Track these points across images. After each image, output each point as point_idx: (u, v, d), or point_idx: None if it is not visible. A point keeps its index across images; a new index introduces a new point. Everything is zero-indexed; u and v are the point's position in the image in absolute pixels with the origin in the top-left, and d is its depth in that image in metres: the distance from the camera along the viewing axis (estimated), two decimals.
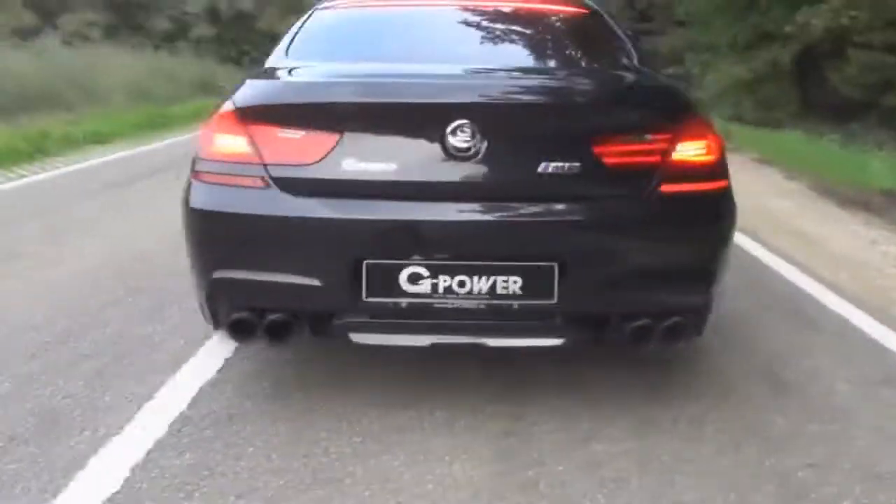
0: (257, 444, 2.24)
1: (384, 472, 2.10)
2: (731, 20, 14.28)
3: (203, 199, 2.23)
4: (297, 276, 2.16)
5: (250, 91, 2.28)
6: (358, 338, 2.24)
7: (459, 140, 2.10)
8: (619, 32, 2.92)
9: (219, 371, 2.72)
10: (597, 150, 2.15)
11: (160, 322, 3.20)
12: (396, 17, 3.05)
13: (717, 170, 2.30)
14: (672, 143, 2.20)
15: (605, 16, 3.04)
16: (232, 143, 2.21)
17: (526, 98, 2.22)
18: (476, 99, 2.17)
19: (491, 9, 3.07)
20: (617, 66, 2.75)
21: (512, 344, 2.27)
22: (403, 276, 2.13)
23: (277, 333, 2.21)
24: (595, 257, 2.17)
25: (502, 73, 2.36)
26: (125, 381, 2.64)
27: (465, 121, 2.09)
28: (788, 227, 5.35)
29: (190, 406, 2.46)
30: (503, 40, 2.88)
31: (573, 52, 2.88)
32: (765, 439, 2.32)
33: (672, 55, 18.29)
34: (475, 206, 2.15)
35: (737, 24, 14.03)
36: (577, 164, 2.14)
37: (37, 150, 8.00)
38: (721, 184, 2.30)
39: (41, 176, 7.20)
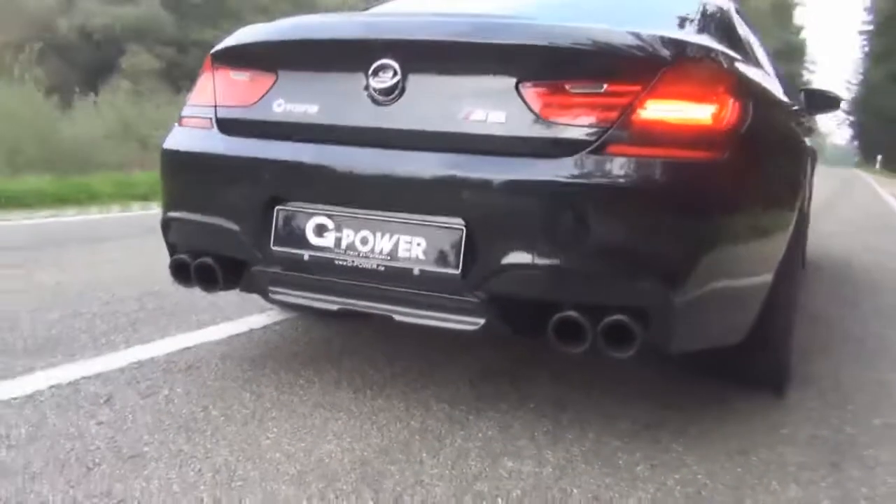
0: (177, 391, 2.17)
1: (251, 438, 1.90)
2: None
3: (170, 140, 2.27)
4: (219, 218, 2.09)
5: (228, 37, 2.28)
6: (273, 294, 2.08)
7: (380, 81, 1.89)
8: (704, 11, 2.40)
9: (236, 335, 2.73)
10: (529, 97, 1.79)
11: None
12: None
13: (707, 136, 1.77)
14: (639, 96, 1.75)
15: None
16: (202, 86, 2.24)
17: (457, 36, 1.91)
18: (400, 36, 1.93)
19: None
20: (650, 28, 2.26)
21: (421, 322, 1.93)
22: (310, 227, 1.95)
23: (205, 279, 2.14)
24: (507, 222, 1.78)
25: (469, 12, 2.07)
26: (149, 327, 2.76)
27: (387, 60, 1.88)
28: None
29: (169, 355, 2.48)
30: (553, 9, 2.54)
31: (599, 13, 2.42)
32: None
33: None
34: (392, 153, 1.89)
35: None
36: (503, 112, 1.80)
37: None
38: (707, 154, 1.76)
39: None
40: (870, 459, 1.95)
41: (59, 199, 6.33)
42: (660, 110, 1.75)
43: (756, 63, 2.65)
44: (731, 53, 2.11)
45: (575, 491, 1.69)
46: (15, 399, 2.05)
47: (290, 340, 2.72)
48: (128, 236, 4.93)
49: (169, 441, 1.85)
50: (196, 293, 3.12)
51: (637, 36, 1.85)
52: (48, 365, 2.32)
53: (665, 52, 1.81)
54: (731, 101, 1.82)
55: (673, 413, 2.18)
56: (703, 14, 2.38)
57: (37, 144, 10.66)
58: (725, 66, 1.94)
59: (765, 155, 2.01)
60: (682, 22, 2.30)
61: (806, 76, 58.51)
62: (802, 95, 3.92)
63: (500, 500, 1.63)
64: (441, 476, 1.73)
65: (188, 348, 2.56)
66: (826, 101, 3.94)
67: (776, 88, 2.66)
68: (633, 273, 1.74)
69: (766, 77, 2.53)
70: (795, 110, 2.85)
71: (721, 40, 2.23)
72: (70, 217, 5.84)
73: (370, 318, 2.07)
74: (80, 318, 2.85)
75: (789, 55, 48.14)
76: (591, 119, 1.75)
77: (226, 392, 2.18)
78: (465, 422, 2.05)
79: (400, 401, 2.17)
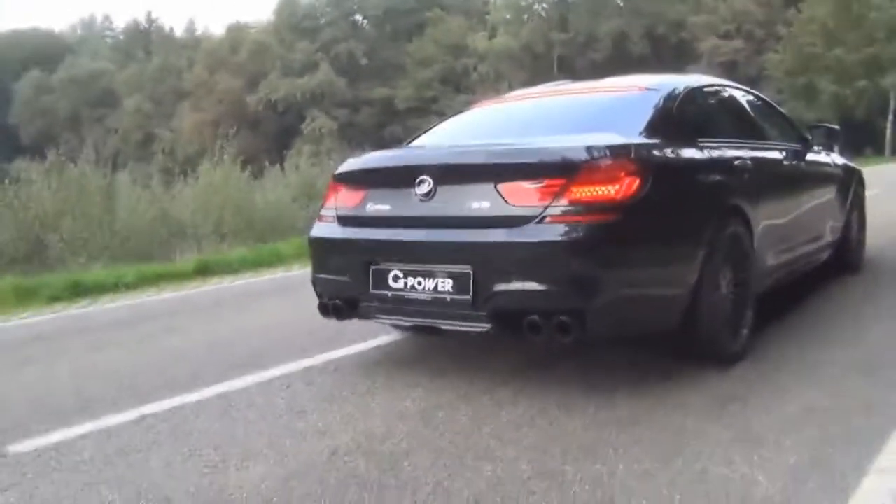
0: (297, 386, 3.56)
1: (361, 404, 3.27)
2: None
3: (313, 231, 3.76)
4: (340, 275, 3.53)
5: (342, 164, 3.75)
6: (377, 318, 3.49)
7: (421, 189, 3.25)
8: (654, 108, 3.56)
9: (366, 350, 4.14)
10: (502, 192, 3.08)
11: None
12: (505, 108, 4.23)
13: (609, 205, 2.97)
14: (564, 188, 2.99)
15: (659, 95, 3.70)
16: (329, 197, 3.72)
17: (461, 161, 3.28)
18: (430, 163, 3.32)
19: (568, 95, 4.06)
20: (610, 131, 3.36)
21: (454, 328, 3.25)
22: (390, 277, 3.33)
23: (337, 313, 3.57)
24: (494, 266, 3.06)
25: (470, 145, 3.45)
26: (318, 348, 4.22)
27: (424, 177, 3.24)
28: None
29: (326, 363, 3.92)
30: (547, 120, 3.84)
31: (582, 125, 3.63)
32: None
33: None
34: (431, 231, 3.26)
35: None
36: (488, 202, 3.10)
37: None
38: (608, 217, 2.96)
39: None
40: (750, 402, 3.02)
41: (257, 264, 8.22)
42: (578, 192, 2.98)
43: (708, 134, 3.75)
44: (646, 142, 3.27)
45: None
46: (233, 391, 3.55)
47: (396, 356, 4.09)
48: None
49: (322, 407, 3.25)
50: (348, 323, 4.57)
51: (565, 148, 3.11)
52: (262, 367, 3.82)
53: (579, 156, 3.04)
54: (627, 180, 3.01)
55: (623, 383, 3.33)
56: (656, 112, 3.55)
57: (236, 214, 12.95)
58: (630, 156, 3.11)
59: (659, 212, 3.14)
60: (631, 124, 3.46)
61: None
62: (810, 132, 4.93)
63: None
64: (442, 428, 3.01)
65: (337, 358, 3.97)
66: (827, 134, 4.96)
67: (715, 154, 3.71)
68: (567, 290, 2.97)
69: (701, 151, 3.60)
70: (731, 165, 3.82)
71: (663, 129, 3.41)
72: (265, 277, 7.69)
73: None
74: (276, 342, 4.37)
75: None
76: (536, 202, 3.01)
77: (347, 380, 3.57)
78: (471, 400, 3.29)
79: (428, 390, 3.45)
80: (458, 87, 55.37)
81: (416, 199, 3.28)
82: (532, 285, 3.01)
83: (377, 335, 4.34)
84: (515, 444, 2.71)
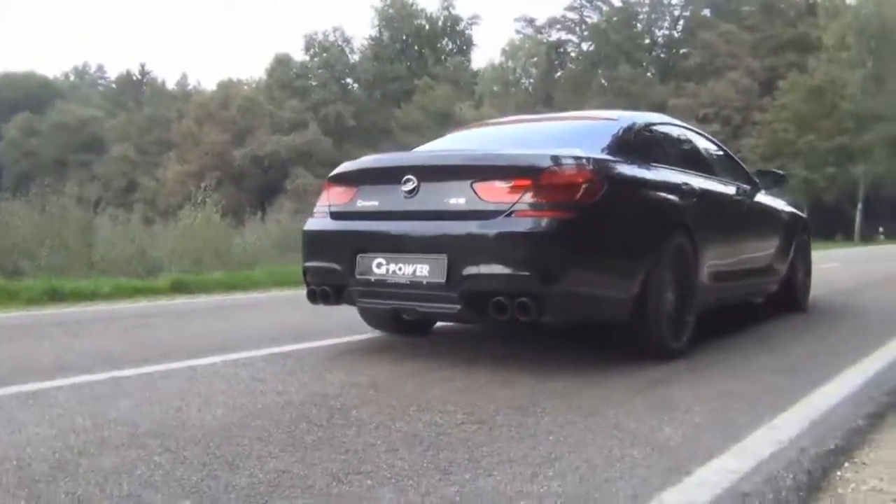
0: (260, 365, 3.86)
1: (318, 374, 3.54)
2: None
3: (307, 225, 4.12)
4: (330, 263, 3.85)
5: (337, 168, 4.11)
6: (360, 303, 3.82)
7: (406, 186, 3.61)
8: (613, 135, 3.99)
9: (335, 344, 4.42)
10: (477, 190, 3.46)
11: None
12: (485, 130, 4.73)
13: (567, 204, 3.33)
14: (530, 187, 3.37)
15: (619, 125, 4.14)
16: (322, 195, 4.10)
17: (442, 162, 3.70)
18: (415, 164, 3.72)
19: (542, 121, 4.54)
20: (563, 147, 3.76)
21: (428, 309, 3.60)
22: (374, 263, 3.65)
23: (324, 298, 3.89)
24: (467, 253, 3.41)
25: (451, 149, 3.87)
26: (287, 339, 4.48)
27: (410, 176, 3.61)
28: None
29: (297, 350, 4.19)
30: (519, 139, 4.29)
31: (549, 143, 3.99)
32: None
33: None
34: (413, 222, 3.61)
35: None
36: (464, 198, 3.47)
37: None
38: (562, 214, 3.32)
39: None
40: (672, 385, 3.33)
41: (231, 286, 8.48)
42: (541, 191, 3.35)
43: (661, 161, 4.15)
44: (604, 158, 3.67)
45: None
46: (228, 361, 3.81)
47: (360, 348, 4.37)
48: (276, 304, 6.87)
49: (281, 378, 3.52)
50: (320, 326, 4.87)
51: (531, 154, 3.50)
52: (230, 352, 4.08)
53: (545, 162, 3.42)
54: (584, 185, 3.38)
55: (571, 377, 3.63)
56: (614, 137, 3.99)
57: (214, 256, 13.23)
58: (589, 166, 3.49)
59: (612, 215, 3.51)
60: (592, 144, 3.85)
61: None
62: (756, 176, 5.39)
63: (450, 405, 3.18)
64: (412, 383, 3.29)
65: (303, 348, 4.25)
66: (774, 179, 5.43)
67: (666, 176, 4.11)
68: (527, 276, 3.30)
69: (652, 171, 4.01)
70: (681, 188, 4.21)
71: (620, 151, 3.82)
72: (238, 296, 7.94)
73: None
74: (245, 337, 4.63)
75: None
76: (506, 199, 3.39)
77: (307, 362, 3.84)
78: (421, 376, 3.59)
79: (401, 364, 3.74)
80: None
81: (401, 196, 3.64)
82: (499, 269, 3.38)
83: (343, 335, 4.63)
84: (455, 403, 2.99)
